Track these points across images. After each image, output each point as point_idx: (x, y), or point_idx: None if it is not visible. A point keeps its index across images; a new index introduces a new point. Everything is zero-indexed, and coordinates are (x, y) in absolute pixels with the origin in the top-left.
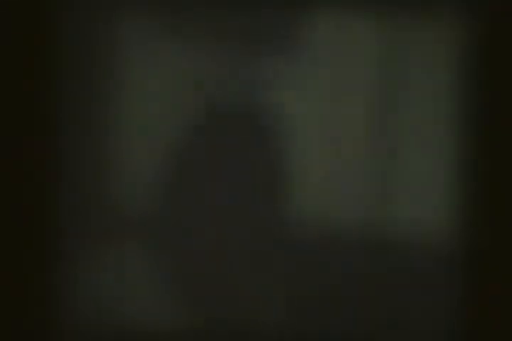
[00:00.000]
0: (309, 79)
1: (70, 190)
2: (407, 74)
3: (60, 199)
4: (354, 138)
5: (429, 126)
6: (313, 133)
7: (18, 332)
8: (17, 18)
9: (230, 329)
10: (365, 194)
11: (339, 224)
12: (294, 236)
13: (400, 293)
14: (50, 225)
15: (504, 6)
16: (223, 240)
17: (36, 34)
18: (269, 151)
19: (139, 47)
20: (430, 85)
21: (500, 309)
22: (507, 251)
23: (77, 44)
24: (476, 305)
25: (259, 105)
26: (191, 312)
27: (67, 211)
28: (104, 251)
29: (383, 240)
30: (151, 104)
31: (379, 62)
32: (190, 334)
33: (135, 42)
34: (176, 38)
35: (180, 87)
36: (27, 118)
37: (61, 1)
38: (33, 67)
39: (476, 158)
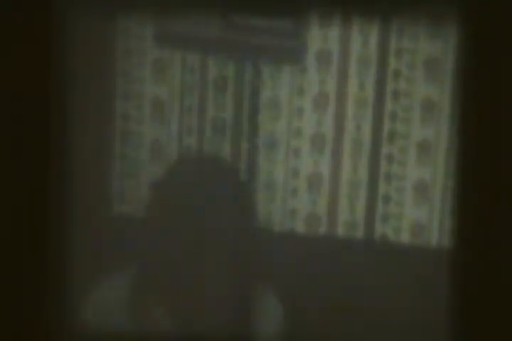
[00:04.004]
0: (309, 79)
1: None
2: (406, 76)
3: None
4: (355, 141)
5: (429, 127)
6: (311, 134)
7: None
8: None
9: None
10: (366, 196)
11: (340, 224)
12: (298, 234)
13: (399, 292)
14: (52, 231)
15: (504, 6)
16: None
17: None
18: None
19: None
20: (430, 88)
21: (500, 309)
22: (506, 252)
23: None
24: (474, 305)
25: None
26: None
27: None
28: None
29: (383, 240)
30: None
31: (379, 64)
32: None
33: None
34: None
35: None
36: (26, 119)
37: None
38: (32, 67)
39: (476, 158)
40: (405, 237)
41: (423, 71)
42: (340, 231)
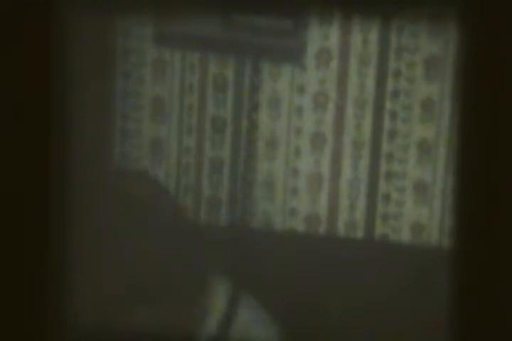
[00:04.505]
0: (309, 78)
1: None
2: (406, 75)
3: (65, 197)
4: (355, 140)
5: (429, 127)
6: (311, 133)
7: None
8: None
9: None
10: (366, 196)
11: (341, 224)
12: (298, 233)
13: (399, 291)
14: (52, 224)
15: (504, 6)
16: None
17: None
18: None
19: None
20: (430, 87)
21: (500, 309)
22: (506, 251)
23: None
24: (474, 305)
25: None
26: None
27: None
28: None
29: (383, 239)
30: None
31: (379, 63)
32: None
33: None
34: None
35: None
36: (26, 118)
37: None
38: (32, 67)
39: (476, 157)
40: (405, 236)
41: (423, 70)
42: (341, 230)
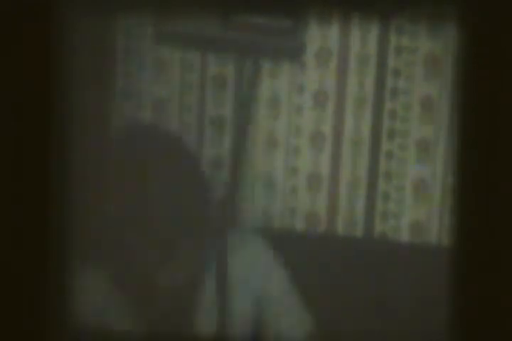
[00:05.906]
0: (308, 77)
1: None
2: (406, 75)
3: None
4: (354, 139)
5: (428, 125)
6: (310, 132)
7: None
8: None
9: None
10: (365, 194)
11: (340, 223)
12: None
13: (398, 290)
14: (50, 226)
15: (504, 5)
16: None
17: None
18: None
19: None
20: (430, 86)
21: (500, 308)
22: (506, 250)
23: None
24: (474, 305)
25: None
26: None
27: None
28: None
29: (383, 238)
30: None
31: (378, 63)
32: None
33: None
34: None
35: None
36: (26, 118)
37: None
38: (32, 67)
39: (476, 156)
40: (405, 236)
41: (422, 69)
42: (340, 229)
